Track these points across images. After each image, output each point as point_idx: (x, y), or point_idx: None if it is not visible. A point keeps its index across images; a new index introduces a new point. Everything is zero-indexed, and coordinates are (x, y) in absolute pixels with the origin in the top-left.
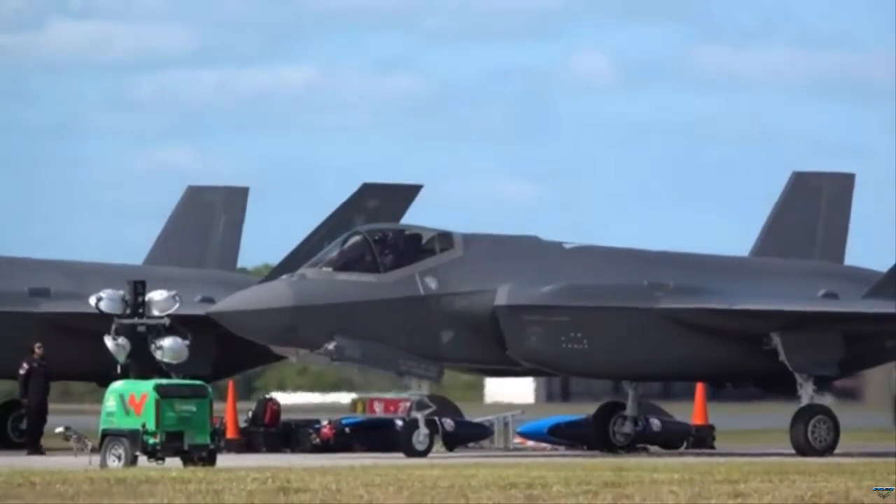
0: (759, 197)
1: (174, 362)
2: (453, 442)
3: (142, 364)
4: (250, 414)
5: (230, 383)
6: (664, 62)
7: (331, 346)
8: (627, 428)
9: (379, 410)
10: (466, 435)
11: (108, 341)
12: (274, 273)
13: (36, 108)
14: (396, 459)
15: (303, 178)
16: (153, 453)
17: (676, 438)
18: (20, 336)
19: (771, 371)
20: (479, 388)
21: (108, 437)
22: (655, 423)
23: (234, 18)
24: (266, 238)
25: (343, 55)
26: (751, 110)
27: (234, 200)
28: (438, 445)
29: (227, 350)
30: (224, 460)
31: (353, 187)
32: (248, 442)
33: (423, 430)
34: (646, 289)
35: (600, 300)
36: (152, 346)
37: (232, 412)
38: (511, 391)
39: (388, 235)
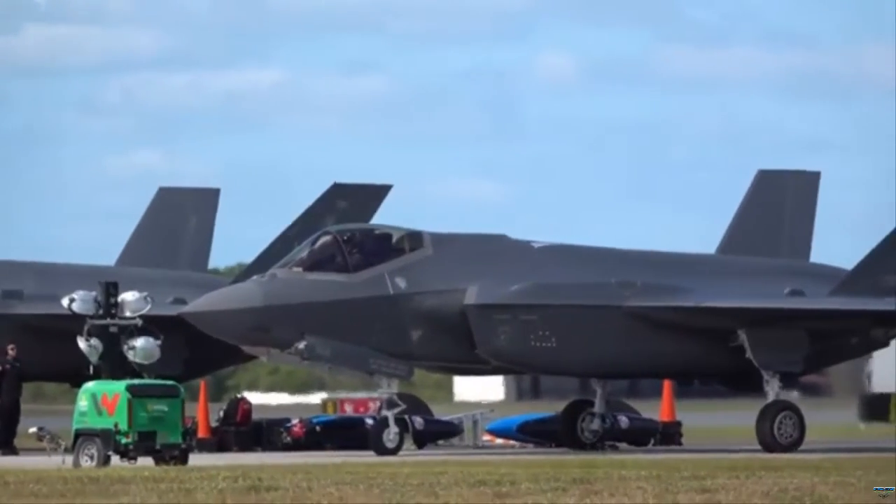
0: (724, 195)
1: (146, 362)
2: (423, 440)
3: (114, 364)
4: (222, 413)
5: (202, 383)
6: (630, 62)
7: (301, 345)
8: (595, 425)
9: (349, 411)
10: (436, 433)
11: (81, 342)
12: (245, 273)
13: (7, 111)
14: (367, 457)
15: (273, 179)
16: (125, 453)
17: (644, 435)
18: None
19: (737, 368)
20: (449, 387)
21: (81, 437)
22: (623, 420)
23: (204, 21)
24: (237, 239)
25: (312, 57)
26: (716, 109)
27: (205, 201)
28: (408, 443)
29: (199, 350)
30: (196, 459)
31: (323, 188)
32: (220, 441)
33: (393, 429)
34: (614, 287)
35: (569, 299)
36: (124, 347)
37: (203, 412)
38: (480, 389)
39: (358, 235)
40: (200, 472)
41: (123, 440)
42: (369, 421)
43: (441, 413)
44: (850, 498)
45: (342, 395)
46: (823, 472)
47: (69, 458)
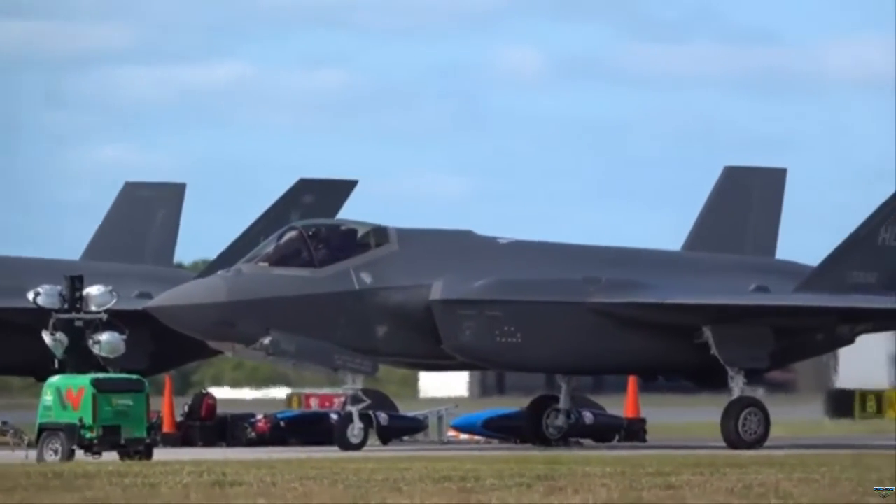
0: (690, 191)
1: (111, 357)
2: (388, 435)
3: (79, 359)
4: (186, 408)
5: (166, 378)
6: (596, 58)
7: (266, 340)
8: (560, 421)
9: (314, 405)
10: (401, 428)
11: (46, 336)
12: (210, 268)
13: None
14: (331, 453)
15: (239, 174)
16: (90, 447)
17: (608, 431)
18: None
19: (702, 364)
20: (414, 383)
21: (46, 432)
22: (588, 416)
23: (170, 16)
24: (203, 234)
25: (278, 52)
26: (682, 106)
27: (170, 196)
28: (373, 439)
29: (164, 345)
30: (160, 454)
31: (288, 183)
32: (185, 436)
33: (357, 424)
34: (579, 283)
35: (534, 295)
36: (90, 341)
37: (168, 406)
38: (445, 385)
39: (323, 231)
40: (165, 467)
41: (88, 435)
42: (334, 416)
43: (406, 409)
44: (815, 494)
45: (307, 390)
46: (788, 468)
47: (33, 453)
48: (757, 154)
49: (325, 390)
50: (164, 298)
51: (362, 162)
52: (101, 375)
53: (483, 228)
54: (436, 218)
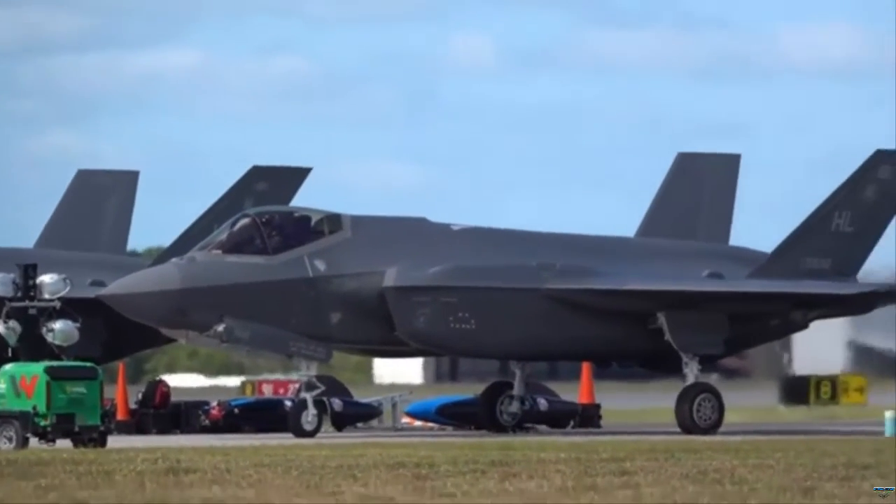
0: (644, 178)
1: (65, 345)
2: (342, 422)
3: (32, 347)
4: (140, 396)
5: (120, 365)
6: (548, 45)
7: (220, 328)
8: (514, 407)
9: (268, 392)
10: (355, 415)
11: None
12: (164, 256)
13: None
14: (285, 440)
15: (192, 162)
16: (44, 435)
17: (563, 417)
18: None
19: (657, 350)
20: (368, 369)
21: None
22: (542, 402)
23: (123, 2)
24: (156, 221)
25: (229, 39)
26: (635, 93)
27: (124, 184)
28: (327, 426)
29: (118, 332)
30: (114, 441)
31: (242, 170)
32: (139, 423)
33: (311, 411)
34: (532, 270)
35: (487, 281)
36: (43, 329)
37: (122, 394)
38: (400, 371)
39: (277, 218)
40: (119, 455)
41: (42, 422)
42: (288, 403)
43: (360, 395)
44: (770, 480)
45: (261, 377)
46: (742, 454)
47: None
48: (710, 140)
49: (279, 377)
50: (117, 286)
51: (316, 149)
52: (54, 363)
53: (436, 215)
54: (389, 205)
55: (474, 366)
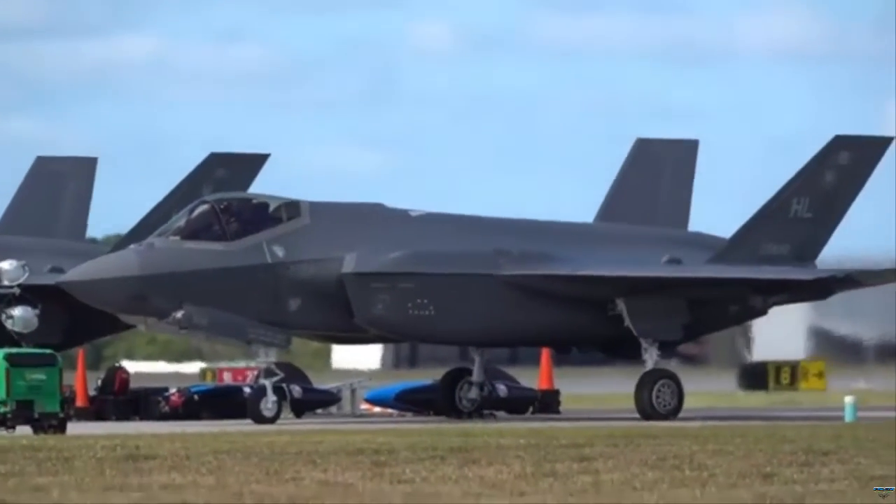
0: (602, 163)
1: (24, 331)
2: (301, 408)
3: None
4: (99, 382)
5: (80, 352)
6: (506, 30)
7: (179, 314)
8: (474, 393)
9: (228, 379)
10: (314, 401)
11: None
12: (123, 242)
13: None
14: (245, 426)
15: (151, 148)
16: (3, 422)
17: (522, 403)
18: None
19: (616, 336)
20: (327, 355)
21: None
22: (501, 388)
23: None
24: (115, 208)
25: (187, 25)
26: (593, 77)
27: (82, 170)
28: (286, 412)
29: (77, 319)
30: (74, 428)
31: (200, 157)
32: (98, 410)
33: (270, 397)
34: (491, 255)
35: (446, 267)
36: (2, 316)
37: (81, 381)
38: (359, 358)
39: (235, 204)
40: (79, 441)
41: (1, 409)
42: (247, 390)
43: (319, 381)
44: (729, 466)
45: (221, 364)
46: (702, 440)
47: None
48: (669, 126)
49: (239, 363)
50: (76, 273)
51: (274, 136)
52: (13, 350)
53: (394, 201)
54: (347, 191)
55: (434, 352)
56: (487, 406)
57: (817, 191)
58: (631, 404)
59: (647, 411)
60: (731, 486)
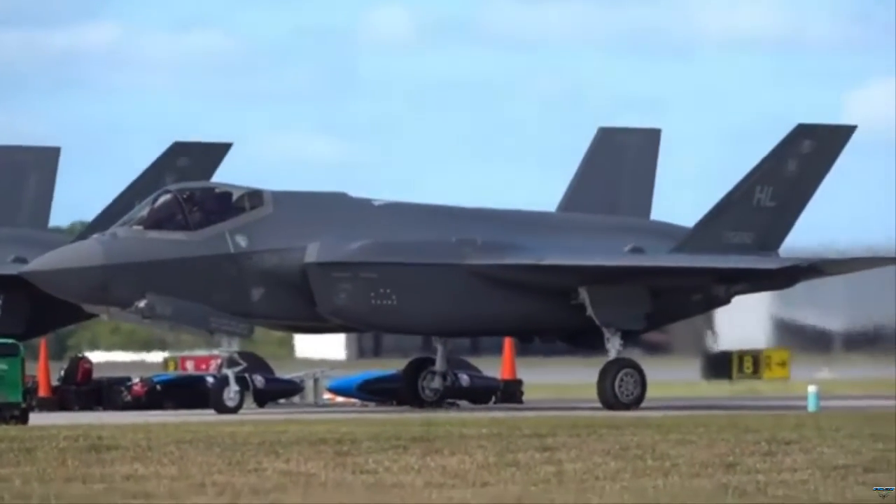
0: (565, 153)
1: None
2: (264, 398)
3: None
4: (62, 372)
5: (42, 342)
6: (467, 19)
7: (142, 304)
8: (436, 383)
9: (191, 368)
10: (277, 391)
11: None
12: (86, 232)
13: None
14: (207, 416)
15: (114, 138)
16: None
17: (485, 393)
18: None
19: (579, 325)
20: (291, 345)
21: None
22: (464, 378)
23: None
24: (78, 197)
25: (150, 14)
26: (555, 67)
27: (45, 160)
28: (249, 402)
29: (40, 309)
30: (36, 419)
31: (163, 146)
32: (61, 400)
33: (233, 387)
34: (454, 245)
35: (409, 257)
36: None
37: (44, 371)
38: (323, 347)
39: (198, 194)
40: (41, 432)
41: None
42: (210, 379)
43: (283, 371)
44: (692, 455)
45: (185, 352)
46: (664, 429)
47: None
48: (631, 115)
49: (202, 352)
50: (39, 263)
51: (236, 125)
52: None
53: (357, 191)
54: (310, 180)
55: (398, 342)
56: (450, 396)
57: (780, 179)
58: (594, 394)
59: (610, 401)
60: (694, 475)
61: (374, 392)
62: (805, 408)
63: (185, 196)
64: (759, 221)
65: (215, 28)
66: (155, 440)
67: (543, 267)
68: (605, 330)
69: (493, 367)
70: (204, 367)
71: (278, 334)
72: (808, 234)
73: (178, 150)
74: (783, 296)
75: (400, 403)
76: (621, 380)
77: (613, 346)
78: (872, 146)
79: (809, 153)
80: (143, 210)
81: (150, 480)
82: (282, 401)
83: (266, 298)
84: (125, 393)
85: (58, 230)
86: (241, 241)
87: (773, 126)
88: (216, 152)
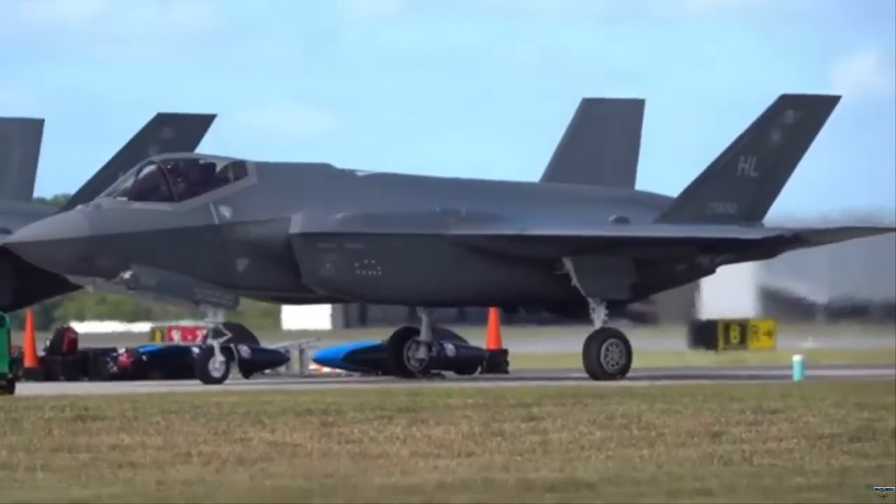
0: (549, 123)
1: None
2: (249, 369)
3: None
4: (48, 343)
5: (28, 312)
6: None
7: (126, 275)
8: (422, 353)
9: (177, 338)
10: (262, 362)
11: None
12: (70, 203)
13: None
14: (193, 386)
15: (98, 110)
16: None
17: (471, 363)
18: None
19: (564, 296)
20: (277, 315)
21: None
22: (450, 348)
23: None
24: (62, 169)
25: None
26: (540, 37)
27: (29, 132)
28: (234, 372)
29: (26, 280)
30: (22, 389)
31: (147, 117)
32: (47, 371)
33: (218, 358)
34: (438, 216)
35: (393, 227)
36: None
37: (30, 341)
38: (308, 318)
39: (182, 165)
40: (27, 402)
41: None
42: (195, 350)
43: (268, 342)
44: (677, 425)
45: (172, 323)
46: (650, 399)
47: None
48: (615, 85)
49: (188, 322)
50: (24, 234)
51: (220, 96)
52: None
53: (341, 161)
54: (294, 151)
55: (384, 312)
56: (435, 366)
57: (764, 150)
58: (579, 364)
59: (596, 371)
60: (680, 445)
61: (359, 362)
62: (790, 377)
63: (169, 167)
64: (743, 191)
65: (198, 0)
66: (141, 410)
67: (528, 237)
68: (590, 300)
69: (479, 338)
70: (191, 337)
71: (265, 304)
72: (792, 204)
73: (162, 122)
74: (769, 266)
75: (385, 374)
76: (607, 350)
77: (599, 316)
78: (857, 116)
79: (793, 123)
80: (127, 181)
81: (135, 450)
82: (267, 371)
83: (251, 269)
84: (111, 364)
85: (42, 201)
86: (226, 212)
87: (758, 96)
88: (200, 124)
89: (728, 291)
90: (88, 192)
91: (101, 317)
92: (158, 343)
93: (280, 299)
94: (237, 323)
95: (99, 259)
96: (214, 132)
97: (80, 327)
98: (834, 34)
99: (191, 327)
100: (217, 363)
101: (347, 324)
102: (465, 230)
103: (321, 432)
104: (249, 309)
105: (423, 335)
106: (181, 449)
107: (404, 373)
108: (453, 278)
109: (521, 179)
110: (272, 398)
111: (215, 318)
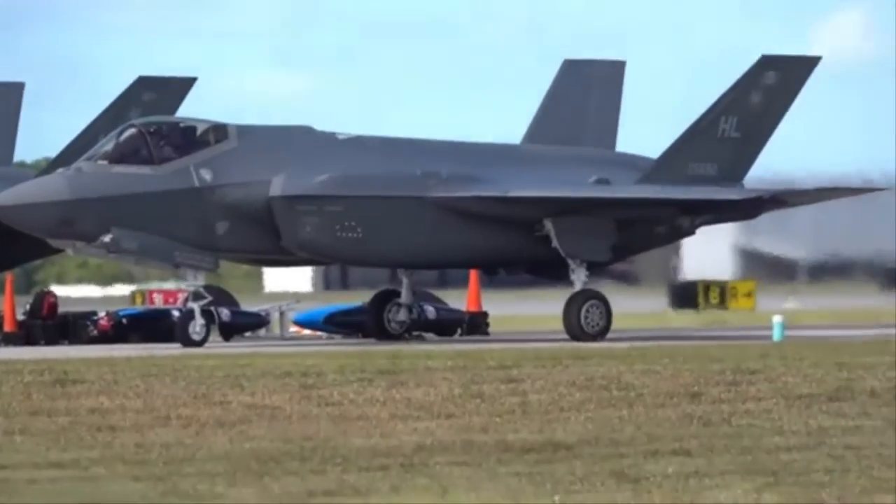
0: (529, 85)
1: None
2: (230, 332)
3: None
4: (28, 307)
5: (8, 276)
6: None
7: (107, 238)
8: (402, 315)
9: (158, 301)
10: (242, 325)
11: None
12: (50, 167)
13: None
14: (173, 350)
15: (78, 73)
16: None
17: (451, 325)
18: None
19: (544, 257)
20: (259, 278)
21: None
22: (430, 310)
23: None
24: (43, 132)
25: None
26: None
27: (9, 95)
28: (215, 335)
29: (7, 244)
30: (2, 353)
31: (128, 80)
32: (27, 335)
33: (199, 321)
34: (419, 178)
35: (374, 190)
36: None
37: (10, 305)
38: (290, 280)
39: (163, 128)
40: (6, 366)
41: None
42: (175, 313)
43: (250, 304)
44: (656, 386)
45: (152, 286)
46: (630, 360)
47: None
48: (596, 46)
49: (170, 285)
50: (4, 197)
51: (201, 59)
52: None
53: (322, 124)
54: (275, 114)
55: (365, 274)
56: (416, 328)
57: (745, 111)
58: (559, 325)
59: (576, 332)
60: (659, 405)
61: (339, 325)
62: (770, 337)
63: (149, 130)
64: (724, 152)
65: None
66: (120, 374)
67: (508, 199)
68: (570, 261)
69: (459, 300)
70: (172, 300)
71: (247, 268)
72: (772, 165)
73: (143, 85)
74: (749, 227)
75: (366, 336)
76: (587, 311)
77: (579, 277)
78: (838, 77)
79: (773, 84)
80: (107, 144)
81: (115, 414)
82: (247, 334)
83: (231, 232)
84: (91, 327)
85: (23, 165)
86: (206, 175)
87: (738, 58)
88: (181, 87)
89: (708, 252)
90: (68, 155)
91: (82, 280)
92: (139, 306)
93: (260, 262)
94: (217, 286)
95: (79, 222)
96: (195, 95)
97: (62, 291)
98: None
99: (172, 290)
100: (197, 326)
101: (328, 286)
102: (446, 192)
103: (301, 395)
104: (231, 271)
105: (404, 297)
106: (160, 412)
107: (385, 335)
108: (434, 240)
109: (502, 141)
110: (252, 361)
111: (196, 280)
